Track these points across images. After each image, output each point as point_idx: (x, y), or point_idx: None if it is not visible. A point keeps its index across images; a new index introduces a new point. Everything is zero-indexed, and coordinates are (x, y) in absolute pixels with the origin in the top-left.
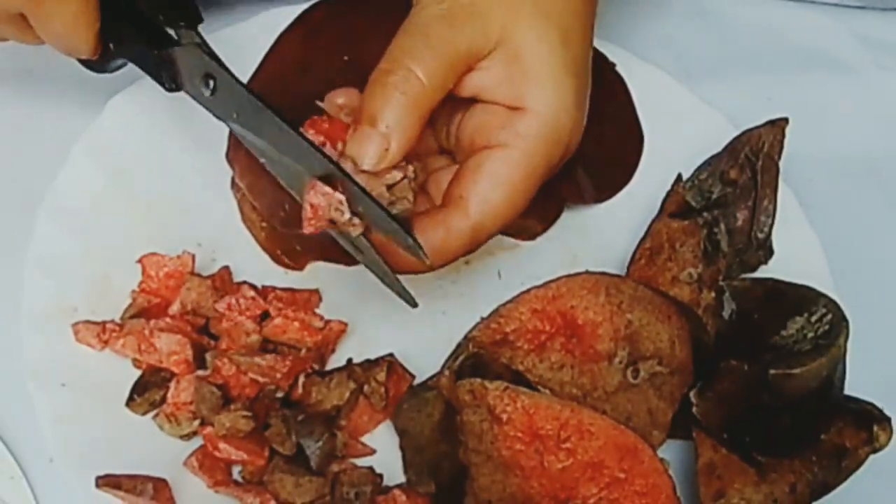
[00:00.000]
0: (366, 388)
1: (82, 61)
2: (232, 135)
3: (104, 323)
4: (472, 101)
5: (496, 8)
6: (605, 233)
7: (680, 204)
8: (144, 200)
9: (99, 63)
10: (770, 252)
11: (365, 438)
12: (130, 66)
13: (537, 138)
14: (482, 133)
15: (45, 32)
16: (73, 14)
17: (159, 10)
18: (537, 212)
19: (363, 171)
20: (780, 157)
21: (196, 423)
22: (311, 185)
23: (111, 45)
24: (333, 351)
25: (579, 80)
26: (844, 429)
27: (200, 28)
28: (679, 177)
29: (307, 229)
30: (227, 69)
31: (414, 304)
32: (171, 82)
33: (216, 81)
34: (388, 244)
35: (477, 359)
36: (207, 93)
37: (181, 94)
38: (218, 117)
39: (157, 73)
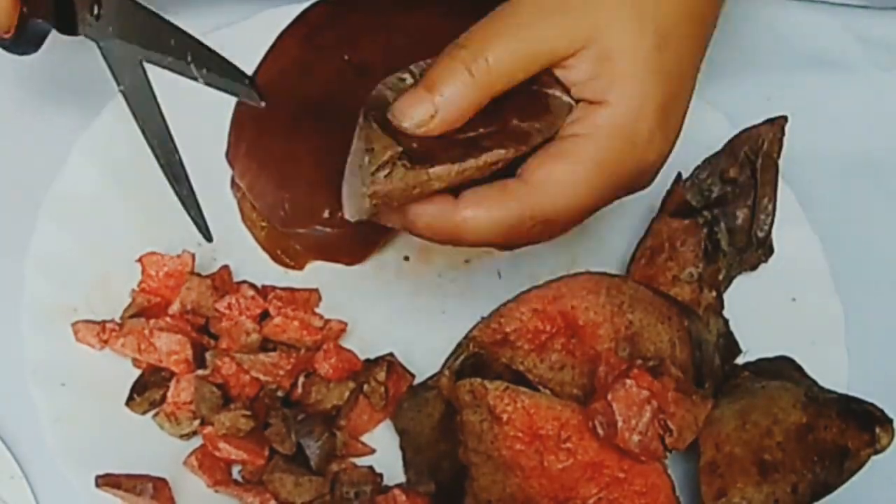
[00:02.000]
0: (366, 387)
1: None
2: (232, 134)
3: (104, 323)
4: None
5: (591, 7)
6: (605, 233)
7: (680, 203)
8: (144, 200)
9: (14, 38)
10: (770, 251)
11: (365, 438)
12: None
13: (611, 129)
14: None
15: None
16: None
17: None
18: None
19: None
20: (779, 156)
21: (196, 422)
22: None
23: (24, 8)
24: None
25: (666, 91)
26: (847, 430)
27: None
28: (679, 176)
29: None
30: None
31: (208, 237)
32: (68, 26)
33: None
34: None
35: (477, 359)
36: (92, 20)
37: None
38: (95, 40)
39: (57, 20)
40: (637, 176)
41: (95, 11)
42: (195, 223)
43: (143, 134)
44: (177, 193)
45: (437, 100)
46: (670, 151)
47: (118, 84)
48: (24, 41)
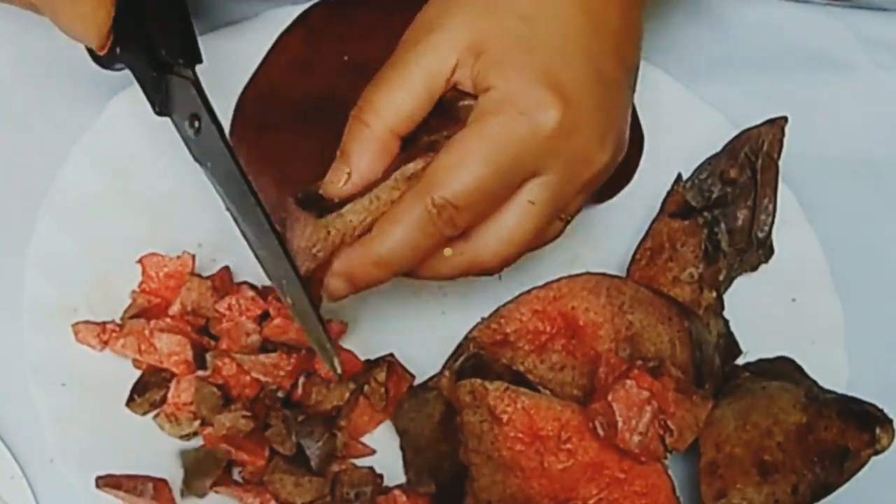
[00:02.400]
0: (366, 388)
1: (88, 50)
2: (233, 134)
3: (104, 323)
4: None
5: (445, 21)
6: (605, 233)
7: (680, 204)
8: (144, 200)
9: (104, 59)
10: (770, 251)
11: (365, 438)
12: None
13: (495, 105)
14: None
15: (60, 18)
16: (88, 10)
17: (164, 39)
18: None
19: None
20: (779, 156)
21: (196, 423)
22: None
23: (118, 49)
24: None
25: (548, 59)
26: (847, 430)
27: (199, 69)
28: (679, 177)
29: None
30: (213, 114)
31: (336, 372)
32: (162, 107)
33: (201, 123)
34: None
35: (477, 359)
36: (192, 132)
37: None
38: (194, 157)
39: (150, 93)
40: (541, 141)
41: (195, 126)
42: (324, 356)
43: (256, 256)
44: (304, 328)
45: (349, 160)
46: (595, 110)
47: (225, 204)
48: (109, 66)
